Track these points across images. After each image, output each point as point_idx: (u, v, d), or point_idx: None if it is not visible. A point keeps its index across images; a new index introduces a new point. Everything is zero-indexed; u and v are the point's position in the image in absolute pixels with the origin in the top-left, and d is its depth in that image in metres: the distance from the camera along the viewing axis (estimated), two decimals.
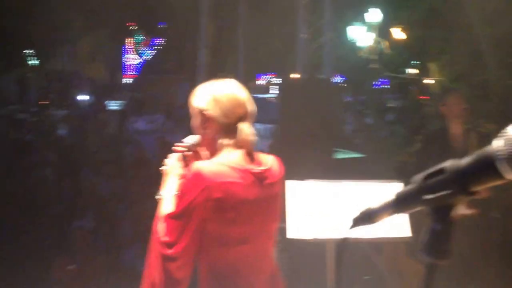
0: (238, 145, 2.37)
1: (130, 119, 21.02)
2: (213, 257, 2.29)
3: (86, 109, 19.90)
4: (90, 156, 9.82)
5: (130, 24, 28.60)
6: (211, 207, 2.22)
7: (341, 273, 1.24)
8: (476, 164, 0.93)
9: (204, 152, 2.49)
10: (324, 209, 3.28)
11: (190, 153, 2.48)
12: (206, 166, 2.29)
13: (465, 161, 0.95)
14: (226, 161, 2.32)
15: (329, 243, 3.25)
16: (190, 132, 2.53)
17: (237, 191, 2.29)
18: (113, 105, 25.21)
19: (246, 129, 2.40)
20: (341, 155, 6.98)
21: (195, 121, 2.44)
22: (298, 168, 3.70)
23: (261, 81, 31.48)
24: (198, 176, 2.24)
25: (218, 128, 2.39)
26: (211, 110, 2.39)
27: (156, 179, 2.52)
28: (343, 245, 1.24)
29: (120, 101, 26.97)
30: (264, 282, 2.39)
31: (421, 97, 16.50)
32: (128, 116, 20.86)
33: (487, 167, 0.91)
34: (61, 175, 8.07)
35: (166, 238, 2.26)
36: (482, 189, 0.96)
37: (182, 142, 2.51)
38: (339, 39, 10.89)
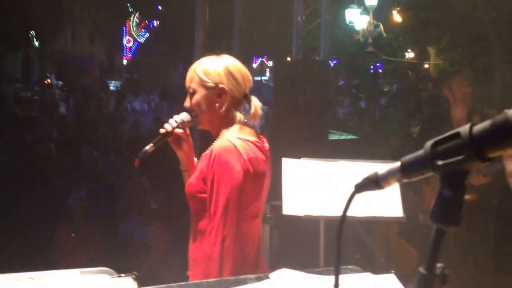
0: (249, 119, 2.37)
1: (127, 99, 21.11)
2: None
3: (89, 89, 20.06)
4: (90, 132, 9.96)
5: (128, 6, 28.41)
6: (248, 181, 2.24)
7: (341, 248, 1.20)
8: (494, 128, 0.91)
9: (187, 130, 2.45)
10: (319, 186, 3.30)
11: (181, 131, 2.42)
12: (237, 141, 2.26)
13: (482, 125, 0.93)
14: (245, 137, 2.31)
15: (323, 220, 3.29)
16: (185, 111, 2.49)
17: (260, 166, 2.31)
18: (112, 85, 25.30)
19: (257, 102, 2.42)
20: (335, 136, 7.02)
21: (202, 97, 2.35)
22: (291, 149, 3.73)
23: (256, 64, 31.45)
24: (236, 152, 2.23)
25: (230, 102, 2.35)
26: (226, 83, 2.33)
27: (151, 156, 2.49)
28: (344, 216, 1.19)
29: (119, 82, 27.04)
30: (259, 255, 2.43)
31: (422, 84, 16.43)
32: (125, 96, 20.94)
33: (506, 132, 0.90)
34: (62, 149, 8.19)
35: (222, 233, 2.19)
36: (498, 154, 0.93)
37: (175, 120, 2.43)
38: (336, 22, 10.85)
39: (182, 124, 2.42)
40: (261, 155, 2.33)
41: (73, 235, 5.30)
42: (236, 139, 2.28)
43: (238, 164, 2.22)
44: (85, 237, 5.32)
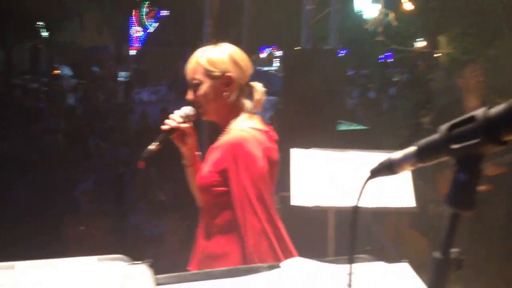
0: (254, 106, 2.35)
1: (135, 90, 21.14)
2: None
3: (96, 80, 20.11)
4: (98, 123, 9.99)
5: None
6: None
7: (355, 235, 1.21)
8: (510, 111, 0.90)
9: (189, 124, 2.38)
10: (328, 177, 3.29)
11: (187, 125, 2.37)
12: (252, 131, 2.25)
13: (497, 108, 0.92)
14: (256, 126, 2.29)
15: (331, 210, 3.27)
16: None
17: (274, 155, 2.31)
18: (120, 76, 25.33)
19: (261, 88, 2.38)
20: (344, 127, 6.98)
21: (209, 88, 2.30)
22: (299, 139, 3.72)
23: (264, 54, 31.40)
24: (256, 141, 2.21)
25: (237, 90, 2.32)
26: (233, 71, 2.31)
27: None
28: (356, 208, 1.19)
29: (126, 72, 27.06)
30: None
31: (431, 73, 16.27)
32: (133, 87, 20.95)
33: None
34: (70, 141, 8.21)
35: (263, 220, 2.17)
36: None
37: (180, 116, 2.36)
38: (346, 11, 10.78)
39: (187, 118, 2.37)
40: (273, 144, 2.32)
41: (82, 227, 5.28)
42: (251, 128, 2.26)
43: (260, 153, 2.20)
44: (93, 229, 5.31)
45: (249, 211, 2.18)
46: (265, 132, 2.32)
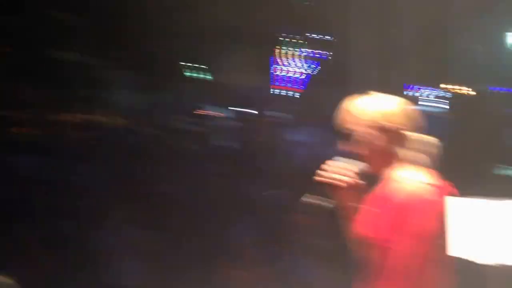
0: (418, 157, 2.22)
1: (288, 131, 21.35)
2: None
3: (247, 121, 20.54)
4: (250, 166, 10.12)
5: (289, 36, 29.03)
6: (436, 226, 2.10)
7: None
8: None
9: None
10: (486, 231, 3.11)
11: (362, 182, 2.26)
12: (421, 185, 2.10)
13: None
14: (424, 179, 2.14)
15: (491, 268, 3.09)
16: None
17: (442, 209, 2.13)
18: (271, 116, 25.79)
19: (426, 139, 2.25)
20: (505, 172, 6.53)
21: (377, 142, 2.18)
22: (457, 186, 3.55)
23: (416, 92, 30.52)
24: (423, 197, 2.07)
25: (402, 141, 2.20)
26: (405, 125, 2.21)
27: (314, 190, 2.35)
28: None
29: (277, 113, 27.54)
30: None
31: None
32: (286, 128, 21.21)
33: None
34: (223, 183, 8.34)
35: None
36: None
37: (350, 171, 2.25)
38: (504, 47, 10.26)
39: (361, 176, 2.27)
40: (441, 198, 2.16)
41: (240, 273, 5.23)
42: (420, 181, 2.12)
43: (431, 210, 2.08)
44: (251, 276, 5.25)
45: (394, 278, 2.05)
46: (435, 185, 2.15)
